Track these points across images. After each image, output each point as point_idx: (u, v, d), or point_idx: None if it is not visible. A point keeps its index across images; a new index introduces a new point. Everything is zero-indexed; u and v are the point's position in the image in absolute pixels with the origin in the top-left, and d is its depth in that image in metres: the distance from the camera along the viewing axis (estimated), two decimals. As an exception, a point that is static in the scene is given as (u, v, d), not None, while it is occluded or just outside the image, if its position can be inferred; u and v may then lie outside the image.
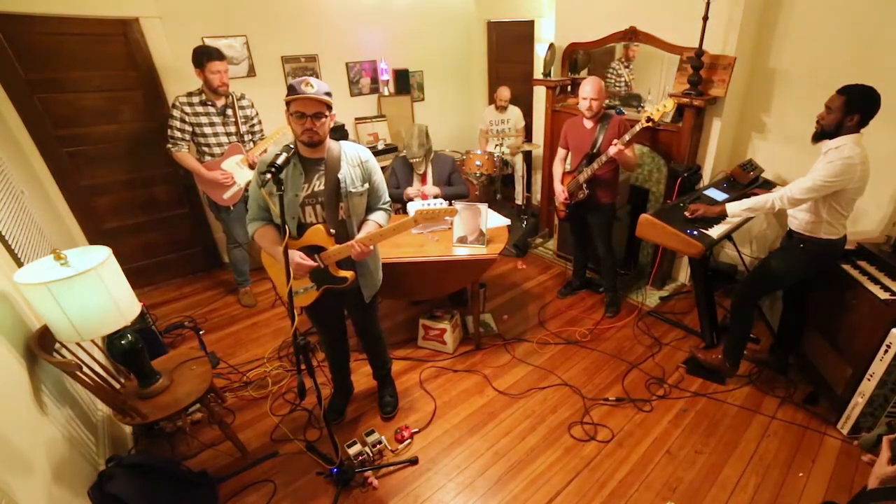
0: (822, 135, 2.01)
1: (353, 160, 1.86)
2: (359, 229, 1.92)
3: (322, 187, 1.81)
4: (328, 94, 1.70)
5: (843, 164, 1.89)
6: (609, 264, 3.14)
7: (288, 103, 1.68)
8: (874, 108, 1.90)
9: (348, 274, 1.92)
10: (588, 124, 2.82)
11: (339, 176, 1.81)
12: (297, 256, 1.78)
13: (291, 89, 1.65)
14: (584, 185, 2.85)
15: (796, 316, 2.54)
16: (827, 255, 2.20)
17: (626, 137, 2.56)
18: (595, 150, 2.77)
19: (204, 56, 2.73)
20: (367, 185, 1.89)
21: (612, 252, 3.10)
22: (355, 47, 4.17)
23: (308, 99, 1.64)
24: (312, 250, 1.84)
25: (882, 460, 1.07)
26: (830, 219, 2.06)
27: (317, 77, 3.96)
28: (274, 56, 3.75)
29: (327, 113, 1.72)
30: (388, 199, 2.02)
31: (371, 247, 1.87)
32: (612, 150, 2.58)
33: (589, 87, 2.69)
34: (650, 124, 2.53)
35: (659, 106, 2.52)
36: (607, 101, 3.70)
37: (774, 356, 2.64)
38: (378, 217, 1.95)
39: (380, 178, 1.96)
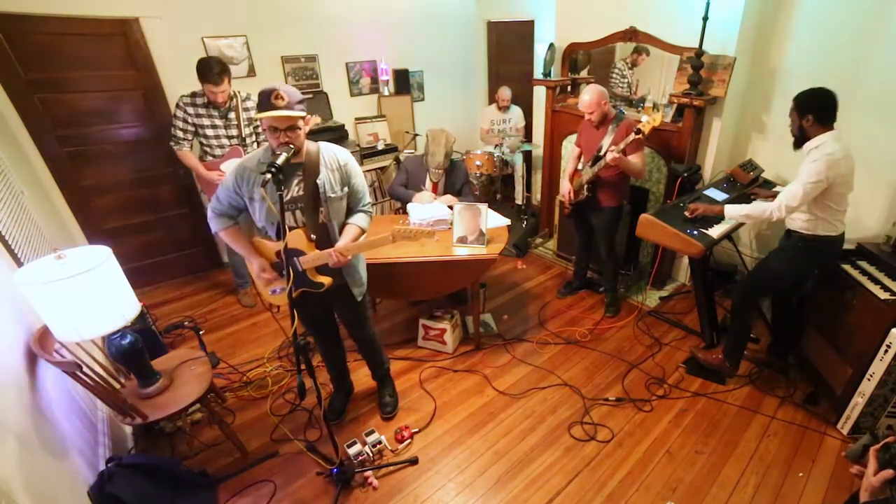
0: (796, 142, 2.11)
1: (332, 164, 1.83)
2: (340, 232, 1.90)
3: (301, 192, 1.79)
4: (301, 101, 1.67)
5: (826, 161, 1.93)
6: (611, 266, 3.14)
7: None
8: (825, 105, 1.97)
9: (325, 280, 1.89)
10: (594, 124, 2.81)
11: (318, 181, 1.79)
12: (256, 266, 1.87)
13: (263, 102, 1.61)
14: (586, 187, 2.85)
15: (788, 316, 2.55)
16: (826, 254, 2.20)
17: (621, 146, 2.57)
18: (601, 153, 2.76)
19: (201, 75, 2.70)
20: (346, 190, 1.87)
21: (614, 254, 3.10)
22: (355, 47, 4.17)
23: (280, 115, 1.61)
24: (292, 254, 1.82)
25: (869, 472, 1.06)
26: (825, 216, 2.07)
27: (318, 81, 3.98)
28: (274, 56, 3.74)
29: (301, 124, 1.69)
30: (368, 200, 1.98)
31: (349, 256, 1.84)
32: (609, 157, 2.59)
33: (586, 99, 2.67)
34: (640, 136, 2.53)
35: (650, 119, 2.51)
36: (611, 101, 3.71)
37: (773, 356, 2.64)
38: (359, 220, 1.92)
39: (360, 182, 1.92)
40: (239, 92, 2.94)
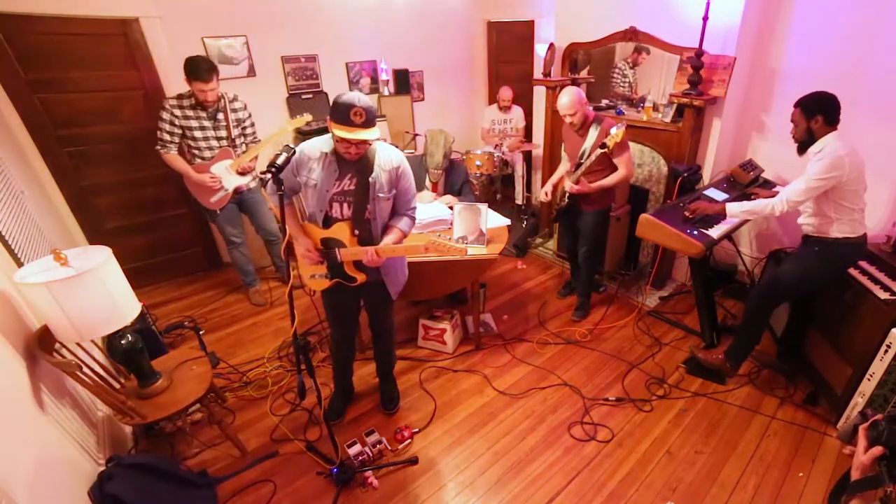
0: (801, 146, 2.12)
1: (386, 164, 1.86)
2: (382, 231, 1.94)
3: (352, 187, 1.84)
4: (375, 116, 1.69)
5: (831, 159, 1.95)
6: (587, 269, 3.11)
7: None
8: (833, 107, 2.00)
9: (360, 276, 1.95)
10: (576, 130, 2.78)
11: (371, 179, 1.83)
12: (302, 246, 1.91)
13: (340, 114, 1.63)
14: (566, 196, 2.86)
15: (804, 321, 2.53)
16: (844, 257, 2.18)
17: (583, 168, 2.63)
18: (581, 162, 2.73)
19: (190, 74, 2.66)
20: (394, 191, 1.91)
21: (593, 259, 3.07)
22: (355, 47, 4.17)
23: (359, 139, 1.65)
24: (335, 244, 1.90)
25: (859, 450, 1.07)
26: (839, 216, 2.07)
27: (318, 81, 3.97)
28: (274, 56, 3.74)
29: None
30: (415, 205, 2.02)
31: (383, 258, 1.88)
32: (571, 189, 2.67)
33: (565, 101, 2.61)
34: (605, 150, 2.54)
35: (615, 135, 2.49)
36: (611, 101, 3.71)
37: (783, 361, 2.62)
38: (403, 225, 1.96)
39: (408, 185, 1.95)
40: (226, 93, 2.89)
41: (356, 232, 1.89)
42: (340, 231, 1.88)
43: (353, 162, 1.81)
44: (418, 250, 1.83)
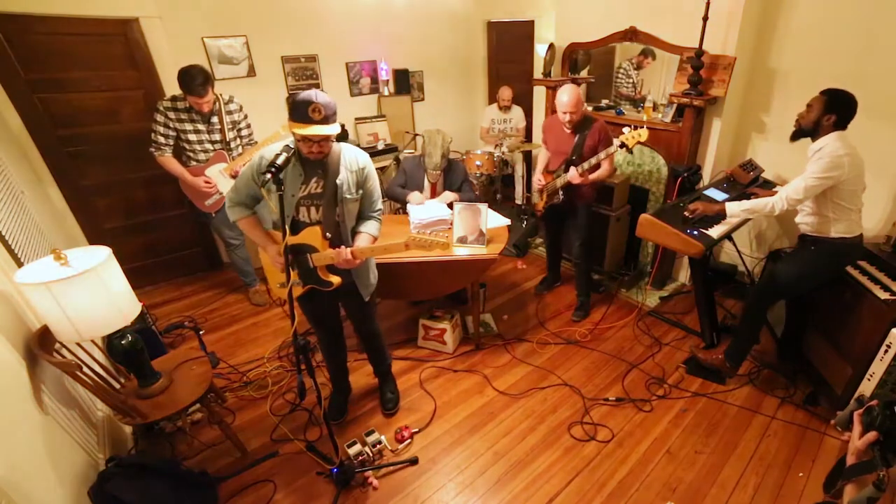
0: (799, 133, 2.10)
1: (352, 165, 1.86)
2: (351, 233, 1.93)
3: (320, 190, 1.82)
4: (335, 111, 1.68)
5: (831, 159, 1.95)
6: (583, 268, 3.11)
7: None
8: (851, 112, 1.97)
9: (335, 280, 1.92)
10: (568, 128, 2.76)
11: (338, 181, 1.81)
12: (272, 251, 1.87)
13: (299, 112, 1.61)
14: (560, 192, 2.85)
15: (800, 321, 2.53)
16: (841, 256, 2.17)
17: (593, 161, 2.61)
18: (574, 158, 2.72)
19: (185, 88, 2.64)
20: (361, 192, 1.90)
21: (589, 253, 3.07)
22: (355, 47, 4.17)
23: (317, 134, 1.64)
24: (306, 249, 1.86)
25: (854, 435, 1.08)
26: (838, 216, 2.07)
27: (318, 81, 3.98)
28: (274, 56, 3.74)
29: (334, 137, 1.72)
30: (380, 206, 2.01)
31: (357, 260, 1.86)
32: (575, 179, 2.64)
33: (566, 99, 2.59)
34: (623, 150, 2.53)
35: (634, 134, 2.46)
36: (613, 101, 3.72)
37: (783, 361, 2.61)
38: (370, 228, 1.95)
39: (374, 185, 1.94)
40: (221, 94, 2.86)
41: (328, 235, 1.86)
42: (311, 236, 1.84)
43: (319, 164, 1.79)
44: (399, 248, 1.81)
